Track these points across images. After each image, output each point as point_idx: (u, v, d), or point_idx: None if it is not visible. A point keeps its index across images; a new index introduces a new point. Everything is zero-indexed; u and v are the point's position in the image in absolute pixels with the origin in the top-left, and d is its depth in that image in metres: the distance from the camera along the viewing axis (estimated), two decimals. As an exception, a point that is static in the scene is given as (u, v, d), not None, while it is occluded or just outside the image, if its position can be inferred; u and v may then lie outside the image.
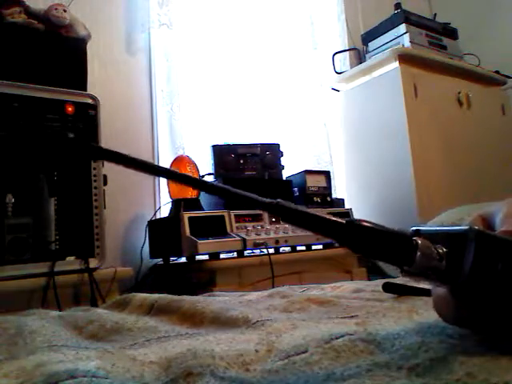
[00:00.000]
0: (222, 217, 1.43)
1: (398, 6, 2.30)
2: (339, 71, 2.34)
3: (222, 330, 0.37)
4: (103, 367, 0.27)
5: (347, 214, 1.75)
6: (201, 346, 0.29)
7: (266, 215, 1.51)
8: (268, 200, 0.27)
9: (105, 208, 1.25)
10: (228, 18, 2.11)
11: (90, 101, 1.28)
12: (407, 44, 2.16)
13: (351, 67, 2.36)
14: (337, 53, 2.36)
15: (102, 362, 0.28)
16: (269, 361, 0.28)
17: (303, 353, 0.28)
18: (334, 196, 1.91)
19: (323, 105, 2.25)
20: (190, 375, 0.24)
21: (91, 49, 1.44)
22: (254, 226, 1.46)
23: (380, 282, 0.64)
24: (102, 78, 1.71)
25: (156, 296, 0.52)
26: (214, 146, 1.70)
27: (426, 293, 0.52)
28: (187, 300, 0.46)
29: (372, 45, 2.37)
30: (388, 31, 2.27)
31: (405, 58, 2.04)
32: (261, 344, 0.31)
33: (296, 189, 1.77)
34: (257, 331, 0.36)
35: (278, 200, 0.27)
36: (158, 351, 0.30)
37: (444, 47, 2.33)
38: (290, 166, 1.88)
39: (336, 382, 0.23)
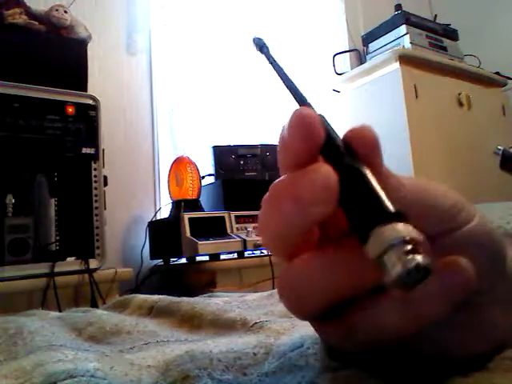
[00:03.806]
0: (223, 218, 1.43)
1: (398, 7, 2.30)
2: (340, 72, 2.34)
3: (221, 333, 0.37)
4: (102, 369, 0.27)
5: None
6: (199, 348, 0.29)
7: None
8: None
9: (105, 209, 1.25)
10: (228, 19, 2.11)
11: (90, 102, 1.28)
12: (408, 45, 2.16)
13: (352, 68, 2.36)
14: (337, 54, 2.36)
15: (100, 365, 0.28)
16: (266, 363, 0.28)
17: (298, 348, 0.27)
18: (334, 197, 1.91)
19: (324, 106, 2.25)
20: (187, 378, 0.24)
21: (92, 49, 1.45)
22: (254, 227, 1.45)
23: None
24: (102, 78, 1.72)
25: (156, 297, 0.52)
26: (214, 147, 1.71)
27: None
28: (186, 302, 0.46)
29: (372, 46, 2.37)
30: (388, 32, 2.27)
31: (405, 59, 2.04)
32: (259, 347, 0.31)
33: (296, 190, 1.77)
34: (255, 333, 0.36)
35: None
36: (156, 355, 0.30)
37: (444, 48, 2.33)
38: (291, 167, 1.88)
39: (334, 373, 0.23)
